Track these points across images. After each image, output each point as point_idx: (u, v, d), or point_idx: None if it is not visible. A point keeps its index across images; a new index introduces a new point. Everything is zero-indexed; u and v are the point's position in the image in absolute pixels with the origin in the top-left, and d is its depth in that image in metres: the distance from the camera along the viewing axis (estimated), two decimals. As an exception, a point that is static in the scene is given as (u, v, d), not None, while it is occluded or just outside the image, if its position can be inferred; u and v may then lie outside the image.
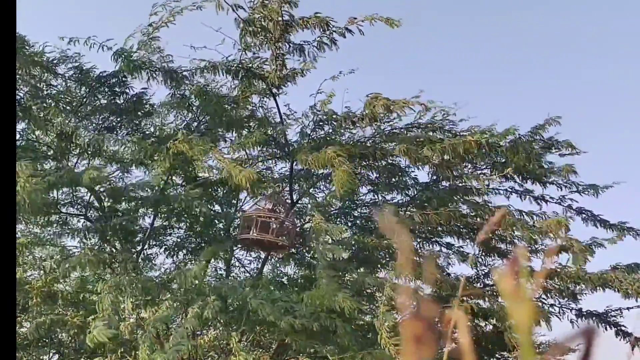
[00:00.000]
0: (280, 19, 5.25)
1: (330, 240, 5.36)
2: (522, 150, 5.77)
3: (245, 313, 4.81)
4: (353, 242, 6.27)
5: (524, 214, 6.38)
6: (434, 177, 6.67)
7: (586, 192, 6.48)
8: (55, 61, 5.81)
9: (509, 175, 6.13)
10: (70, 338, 6.45)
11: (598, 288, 5.87)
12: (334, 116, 6.03)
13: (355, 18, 5.33)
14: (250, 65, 5.90)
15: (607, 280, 5.66)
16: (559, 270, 5.78)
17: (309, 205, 7.11)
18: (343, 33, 5.46)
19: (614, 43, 12.52)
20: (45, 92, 6.07)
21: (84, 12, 12.52)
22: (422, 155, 5.30)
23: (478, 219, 6.15)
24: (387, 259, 6.19)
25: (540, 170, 6.05)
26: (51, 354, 6.77)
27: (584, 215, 6.44)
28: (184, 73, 5.97)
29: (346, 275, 5.88)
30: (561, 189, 6.51)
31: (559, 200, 6.51)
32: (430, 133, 6.02)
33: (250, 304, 4.59)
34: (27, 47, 5.51)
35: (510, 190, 6.59)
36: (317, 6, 5.47)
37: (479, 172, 6.21)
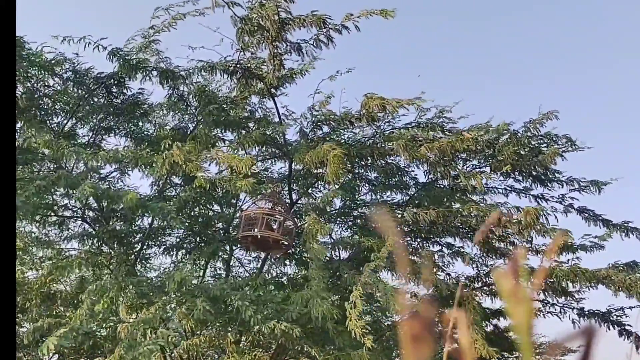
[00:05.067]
0: (276, 16, 5.26)
1: (321, 240, 5.39)
2: (515, 141, 5.78)
3: (239, 314, 4.83)
4: (351, 243, 6.28)
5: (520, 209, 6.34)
6: (432, 177, 6.68)
7: (587, 190, 6.44)
8: (53, 62, 5.81)
9: (505, 172, 6.12)
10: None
11: (593, 286, 5.85)
12: (332, 116, 6.03)
13: (352, 14, 5.34)
14: (248, 65, 5.91)
15: (601, 277, 5.62)
16: (555, 268, 5.77)
17: (310, 207, 7.11)
18: (339, 30, 5.46)
19: (611, 40, 12.53)
20: (42, 92, 6.07)
21: (83, 13, 12.52)
22: (420, 154, 5.31)
23: (476, 219, 6.14)
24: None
25: (532, 160, 6.00)
26: (51, 354, 6.76)
27: (585, 215, 6.40)
28: (182, 73, 5.98)
29: (344, 274, 5.89)
30: (562, 186, 6.47)
31: (559, 199, 6.49)
32: (429, 132, 6.03)
33: (236, 305, 4.61)
34: (25, 48, 5.51)
35: (509, 188, 6.58)
36: (314, 5, 5.46)
37: (476, 170, 6.20)
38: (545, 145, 6.23)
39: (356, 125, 5.97)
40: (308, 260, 6.11)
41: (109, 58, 5.72)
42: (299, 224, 6.48)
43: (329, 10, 5.36)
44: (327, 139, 6.21)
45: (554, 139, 6.20)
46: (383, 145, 5.98)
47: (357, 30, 5.42)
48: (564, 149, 6.17)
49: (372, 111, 5.42)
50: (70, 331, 4.32)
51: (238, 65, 5.86)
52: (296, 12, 5.39)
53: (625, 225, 6.25)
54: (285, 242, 5.69)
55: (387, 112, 5.45)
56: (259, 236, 5.43)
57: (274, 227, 5.61)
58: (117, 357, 4.38)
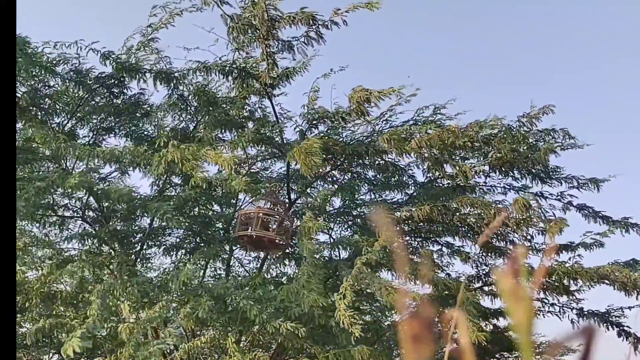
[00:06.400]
0: (265, 14, 5.26)
1: (320, 239, 5.39)
2: (510, 137, 5.76)
3: (241, 313, 4.83)
4: (351, 242, 6.28)
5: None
6: (430, 176, 6.67)
7: (585, 188, 6.42)
8: (54, 62, 5.80)
9: (505, 171, 6.10)
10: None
11: (595, 284, 5.81)
12: (325, 114, 6.04)
13: (339, 9, 5.35)
14: (244, 65, 5.91)
15: (603, 275, 5.58)
16: (556, 267, 5.75)
17: (308, 206, 7.12)
18: (329, 25, 5.47)
19: (609, 37, 12.53)
20: (43, 93, 6.06)
21: (83, 13, 12.51)
22: (409, 147, 5.30)
23: (474, 216, 6.12)
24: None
25: (529, 157, 5.96)
26: (51, 354, 6.77)
27: (585, 212, 6.38)
28: (177, 74, 5.98)
29: (342, 273, 5.89)
30: (561, 184, 6.46)
31: (558, 197, 6.48)
32: (424, 128, 6.01)
33: (239, 304, 4.61)
34: (26, 48, 5.50)
35: (507, 186, 6.57)
36: (303, 2, 5.44)
37: (471, 166, 6.17)
38: (542, 141, 6.21)
39: (348, 121, 5.98)
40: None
41: (102, 62, 5.71)
42: (298, 224, 6.48)
43: (318, 7, 5.37)
44: (325, 137, 6.21)
45: (551, 134, 6.19)
46: (379, 142, 5.98)
47: (345, 24, 5.41)
48: (561, 144, 6.15)
49: (358, 103, 5.42)
50: (87, 332, 4.32)
51: (234, 66, 5.87)
52: (286, 10, 5.41)
53: (625, 221, 6.23)
54: (282, 242, 5.69)
55: (372, 103, 5.43)
56: (254, 236, 5.43)
57: (272, 226, 5.61)
58: (126, 356, 4.39)
